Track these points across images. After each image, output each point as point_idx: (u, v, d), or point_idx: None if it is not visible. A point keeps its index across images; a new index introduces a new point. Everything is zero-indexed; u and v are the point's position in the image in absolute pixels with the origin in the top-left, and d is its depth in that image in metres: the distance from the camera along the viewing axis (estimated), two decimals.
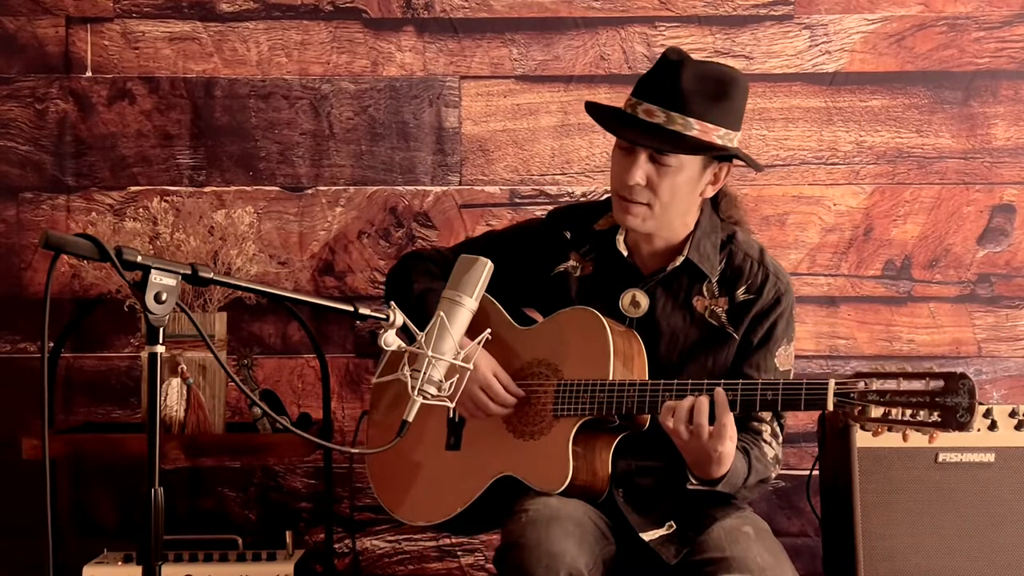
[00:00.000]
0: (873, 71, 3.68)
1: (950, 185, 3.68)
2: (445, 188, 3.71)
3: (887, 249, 3.69)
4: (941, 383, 2.34)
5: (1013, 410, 3.03)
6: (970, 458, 3.01)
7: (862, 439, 3.00)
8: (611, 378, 2.64)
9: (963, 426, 2.32)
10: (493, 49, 3.70)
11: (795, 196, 3.69)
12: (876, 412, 2.39)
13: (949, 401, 2.33)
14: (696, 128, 2.61)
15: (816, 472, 3.24)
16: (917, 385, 2.36)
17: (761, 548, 2.59)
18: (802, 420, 3.63)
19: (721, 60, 3.64)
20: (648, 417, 2.64)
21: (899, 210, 3.68)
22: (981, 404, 3.09)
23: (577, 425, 2.65)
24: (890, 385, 2.38)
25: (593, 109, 2.78)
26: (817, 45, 3.67)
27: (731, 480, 2.59)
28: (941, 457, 3.02)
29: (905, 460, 3.02)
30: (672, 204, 2.67)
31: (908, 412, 2.36)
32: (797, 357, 3.50)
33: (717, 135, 2.63)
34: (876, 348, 3.67)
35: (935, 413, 2.34)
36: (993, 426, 3.01)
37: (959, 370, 2.35)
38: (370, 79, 3.71)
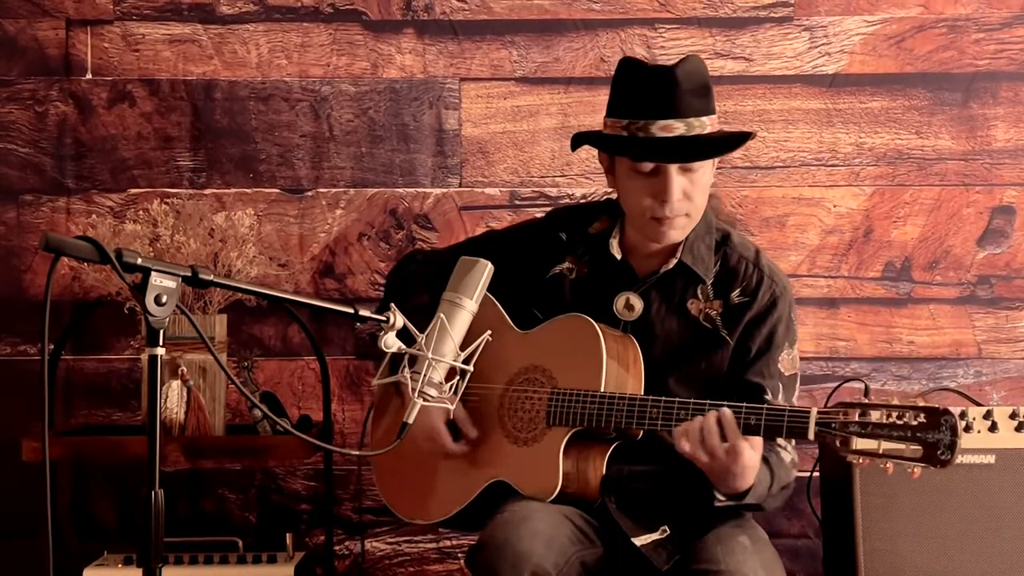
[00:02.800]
0: (873, 73, 3.68)
1: (950, 187, 3.68)
2: (445, 190, 3.71)
3: (887, 251, 3.68)
4: (924, 418, 2.32)
5: (1013, 412, 3.02)
6: (970, 460, 3.01)
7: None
8: (603, 389, 2.63)
9: (944, 463, 2.30)
10: (493, 51, 3.70)
11: (795, 198, 3.69)
12: (860, 444, 2.38)
13: (931, 437, 2.31)
14: (709, 126, 2.61)
15: (816, 473, 3.24)
16: (900, 418, 2.34)
17: (757, 563, 2.55)
18: None
19: (721, 62, 3.66)
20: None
21: (899, 212, 3.68)
22: (981, 405, 3.10)
23: (568, 435, 2.64)
24: (873, 417, 2.36)
25: (589, 139, 2.71)
26: (817, 47, 3.67)
27: (757, 491, 2.56)
28: None
29: None
30: (702, 204, 2.67)
31: (889, 445, 2.35)
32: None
33: (720, 123, 2.65)
34: (876, 350, 3.67)
35: (916, 448, 2.32)
36: (993, 428, 3.00)
37: (943, 407, 2.33)
38: (370, 81, 3.71)
